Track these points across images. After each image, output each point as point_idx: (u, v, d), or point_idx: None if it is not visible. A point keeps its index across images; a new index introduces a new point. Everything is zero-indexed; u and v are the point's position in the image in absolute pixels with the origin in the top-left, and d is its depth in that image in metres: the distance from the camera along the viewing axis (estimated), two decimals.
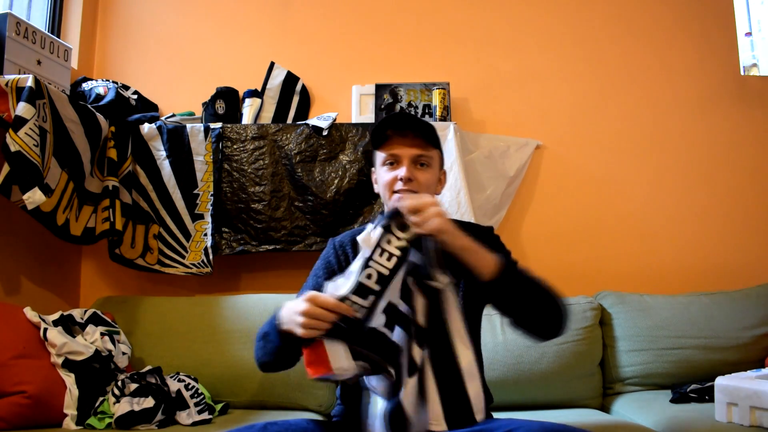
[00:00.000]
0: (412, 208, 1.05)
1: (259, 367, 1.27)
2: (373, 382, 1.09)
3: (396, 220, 1.07)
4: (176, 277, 2.17)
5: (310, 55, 2.39)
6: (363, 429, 1.12)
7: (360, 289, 1.03)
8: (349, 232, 1.41)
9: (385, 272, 1.05)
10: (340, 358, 1.02)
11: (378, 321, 1.06)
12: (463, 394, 1.09)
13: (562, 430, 1.02)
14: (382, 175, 1.27)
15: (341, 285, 1.05)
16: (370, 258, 1.05)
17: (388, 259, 1.05)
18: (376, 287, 1.04)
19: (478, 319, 1.33)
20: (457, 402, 1.08)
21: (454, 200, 2.01)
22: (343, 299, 1.03)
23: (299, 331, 1.01)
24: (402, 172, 1.21)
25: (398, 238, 1.06)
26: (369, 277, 1.04)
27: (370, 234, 1.07)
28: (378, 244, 1.06)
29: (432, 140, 1.26)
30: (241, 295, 2.05)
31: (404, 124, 1.24)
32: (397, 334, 1.07)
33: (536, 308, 1.13)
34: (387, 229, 1.06)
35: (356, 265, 1.06)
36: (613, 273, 2.26)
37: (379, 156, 1.28)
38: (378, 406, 1.08)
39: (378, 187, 1.31)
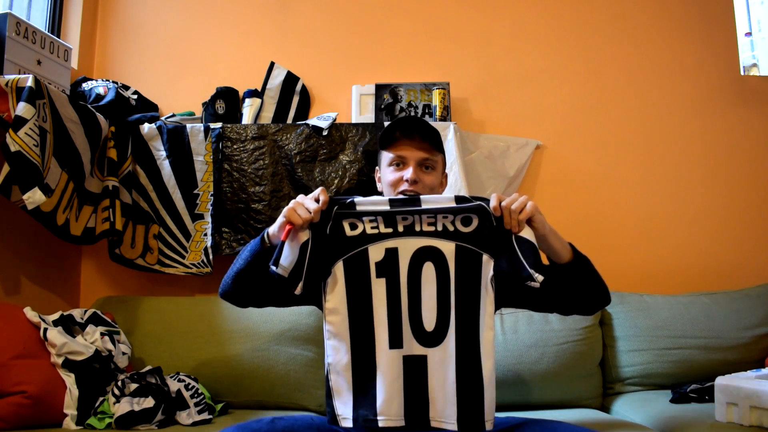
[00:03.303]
0: (501, 197, 1.11)
1: (222, 287, 1.28)
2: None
3: (471, 206, 1.12)
4: (176, 277, 2.17)
5: (310, 55, 2.39)
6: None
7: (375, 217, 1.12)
8: None
9: (403, 228, 1.12)
10: (289, 256, 1.09)
11: (374, 255, 1.12)
12: (479, 399, 1.08)
13: None
14: (387, 175, 1.31)
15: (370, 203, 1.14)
16: (407, 212, 1.12)
17: (430, 222, 1.11)
18: (386, 230, 1.12)
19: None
20: (473, 406, 1.08)
21: None
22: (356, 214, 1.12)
23: (281, 220, 1.11)
24: (408, 173, 1.26)
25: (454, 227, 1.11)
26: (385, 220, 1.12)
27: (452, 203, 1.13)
28: (429, 211, 1.11)
29: (437, 145, 1.32)
30: None
31: (413, 128, 1.29)
32: (380, 289, 1.12)
33: (595, 286, 1.23)
34: (458, 210, 1.11)
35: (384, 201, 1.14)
36: (613, 273, 2.23)
37: (386, 156, 1.32)
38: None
39: (381, 186, 1.36)
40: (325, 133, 2.11)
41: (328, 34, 2.41)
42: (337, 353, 1.11)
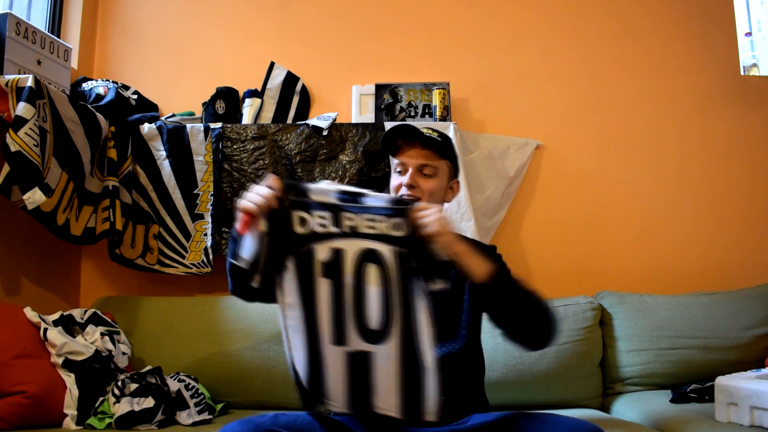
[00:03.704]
0: (419, 208, 1.13)
1: (229, 285, 1.29)
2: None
3: (399, 208, 1.15)
4: (176, 277, 2.17)
5: (310, 55, 2.39)
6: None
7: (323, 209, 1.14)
8: None
9: (348, 229, 1.14)
10: (250, 248, 1.12)
11: (321, 255, 1.14)
12: (421, 391, 1.13)
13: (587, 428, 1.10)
14: (392, 181, 1.37)
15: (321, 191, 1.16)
16: (351, 208, 1.14)
17: (370, 226, 1.14)
18: (333, 229, 1.14)
19: (479, 322, 1.36)
20: (414, 397, 1.13)
21: (454, 200, 2.00)
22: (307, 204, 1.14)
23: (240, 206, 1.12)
24: (406, 178, 1.30)
25: (384, 224, 1.14)
26: (329, 218, 1.14)
27: (378, 197, 1.16)
28: (370, 209, 1.14)
29: (441, 151, 1.33)
30: None
31: (413, 136, 1.32)
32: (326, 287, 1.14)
33: (526, 317, 1.17)
34: (388, 211, 1.15)
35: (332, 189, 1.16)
36: (613, 273, 2.26)
37: (393, 163, 1.38)
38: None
39: (390, 191, 1.40)
40: (325, 133, 2.11)
41: (328, 34, 2.41)
42: (296, 348, 1.16)
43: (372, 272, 1.15)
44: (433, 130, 1.35)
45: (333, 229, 1.15)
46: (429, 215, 1.12)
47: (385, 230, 1.15)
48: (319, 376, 1.15)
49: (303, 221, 1.15)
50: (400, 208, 1.15)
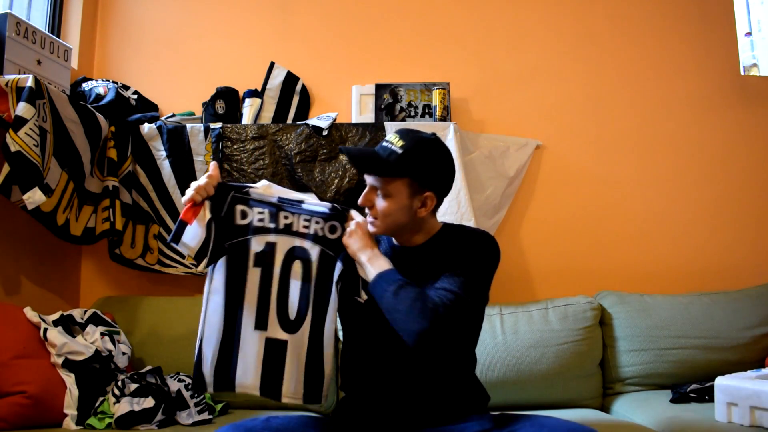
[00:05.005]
0: (349, 218, 1.31)
1: None
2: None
3: (334, 214, 1.31)
4: (176, 277, 2.17)
5: (310, 55, 2.39)
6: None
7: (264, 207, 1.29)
8: None
9: (283, 226, 1.29)
10: (196, 235, 1.22)
11: (255, 246, 1.28)
12: (320, 380, 1.28)
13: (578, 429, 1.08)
14: None
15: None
16: (290, 208, 1.29)
17: (305, 225, 1.30)
18: (270, 225, 1.28)
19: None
20: (315, 385, 1.28)
21: (454, 200, 2.01)
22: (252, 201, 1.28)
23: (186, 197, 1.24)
24: (360, 198, 1.32)
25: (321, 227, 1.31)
26: (269, 217, 1.30)
27: (320, 205, 1.32)
28: (308, 211, 1.30)
29: (393, 172, 1.26)
30: None
31: (359, 162, 1.35)
32: (256, 275, 1.28)
33: (401, 318, 1.16)
34: (325, 214, 1.31)
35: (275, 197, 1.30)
36: (613, 273, 2.26)
37: None
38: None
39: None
40: (325, 133, 2.11)
41: (328, 34, 2.41)
42: (209, 328, 1.25)
43: (297, 267, 1.29)
44: (400, 138, 1.27)
45: (270, 225, 1.29)
46: (349, 226, 1.28)
47: (320, 231, 1.30)
48: (230, 359, 1.24)
49: (244, 214, 1.28)
50: (335, 214, 1.31)
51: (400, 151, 1.25)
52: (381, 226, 1.29)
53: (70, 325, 1.66)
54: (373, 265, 1.23)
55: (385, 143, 1.29)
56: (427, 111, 2.23)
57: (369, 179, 1.30)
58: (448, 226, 1.37)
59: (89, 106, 1.94)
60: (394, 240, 1.37)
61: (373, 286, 1.21)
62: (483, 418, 1.23)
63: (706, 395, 1.70)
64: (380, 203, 1.28)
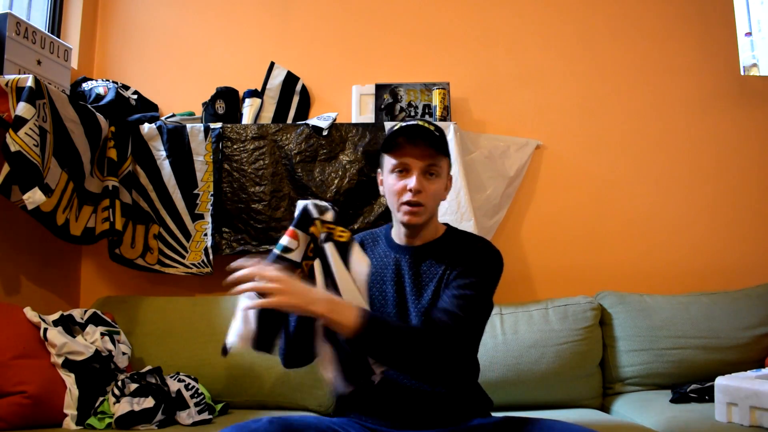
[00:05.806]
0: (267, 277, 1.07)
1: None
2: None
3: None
4: (176, 277, 2.17)
5: (310, 55, 2.39)
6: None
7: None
8: (368, 231, 1.44)
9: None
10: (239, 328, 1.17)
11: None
12: None
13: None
14: (390, 182, 1.25)
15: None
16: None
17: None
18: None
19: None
20: None
21: (454, 200, 2.01)
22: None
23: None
24: (412, 182, 1.20)
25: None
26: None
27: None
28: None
29: (442, 149, 1.24)
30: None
31: (417, 134, 1.21)
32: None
33: (403, 362, 1.10)
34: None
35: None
36: (613, 273, 2.26)
37: (388, 161, 1.25)
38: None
39: (384, 190, 1.30)
40: (325, 133, 2.11)
41: (328, 34, 2.41)
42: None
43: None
44: (429, 123, 1.24)
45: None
46: (269, 283, 1.05)
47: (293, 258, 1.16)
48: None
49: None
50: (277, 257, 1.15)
51: (437, 133, 1.22)
52: (426, 213, 1.22)
53: (70, 325, 1.66)
54: (340, 314, 1.05)
55: (417, 121, 1.22)
56: (427, 111, 2.23)
57: (416, 162, 1.20)
58: (452, 229, 1.35)
59: (89, 106, 1.94)
60: (394, 238, 1.34)
61: (360, 339, 1.05)
62: (486, 421, 1.23)
63: (706, 395, 1.70)
64: (432, 185, 1.22)
